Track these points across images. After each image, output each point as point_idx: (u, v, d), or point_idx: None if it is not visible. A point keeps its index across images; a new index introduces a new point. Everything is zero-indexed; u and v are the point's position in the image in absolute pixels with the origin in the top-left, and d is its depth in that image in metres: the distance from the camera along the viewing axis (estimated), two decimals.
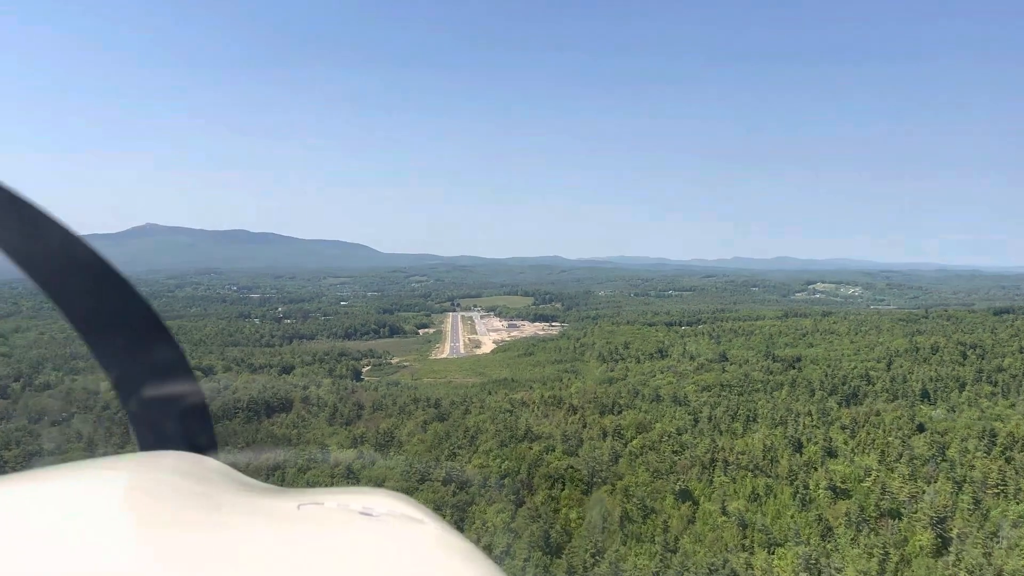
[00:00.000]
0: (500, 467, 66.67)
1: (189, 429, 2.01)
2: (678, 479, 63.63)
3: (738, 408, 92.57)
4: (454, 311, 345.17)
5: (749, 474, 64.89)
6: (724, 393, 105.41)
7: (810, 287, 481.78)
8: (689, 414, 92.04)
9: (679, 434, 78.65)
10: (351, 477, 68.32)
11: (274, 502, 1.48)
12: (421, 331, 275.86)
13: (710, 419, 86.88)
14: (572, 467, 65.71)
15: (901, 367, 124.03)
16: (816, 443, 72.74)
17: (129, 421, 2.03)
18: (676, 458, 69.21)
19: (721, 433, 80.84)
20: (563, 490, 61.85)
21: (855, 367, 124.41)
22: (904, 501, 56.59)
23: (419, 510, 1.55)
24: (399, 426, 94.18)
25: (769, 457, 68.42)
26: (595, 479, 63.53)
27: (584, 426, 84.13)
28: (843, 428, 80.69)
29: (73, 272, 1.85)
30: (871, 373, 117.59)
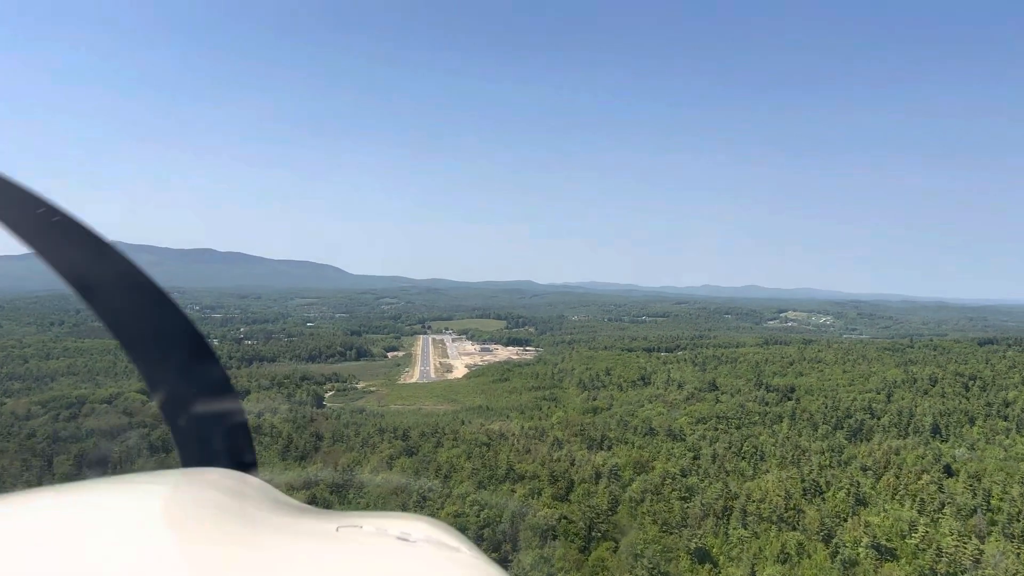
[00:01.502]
0: (479, 516, 56.15)
1: (232, 447, 2.14)
2: (691, 533, 53.73)
3: (742, 444, 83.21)
4: (425, 334, 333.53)
5: (772, 526, 55.32)
6: (721, 426, 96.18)
7: (782, 315, 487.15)
8: (688, 450, 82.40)
9: (683, 475, 68.93)
10: None
11: (313, 523, 1.49)
12: (390, 354, 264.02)
13: (714, 457, 77.29)
14: (566, 517, 55.35)
15: (903, 399, 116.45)
16: (841, 488, 63.43)
17: (173, 437, 2.17)
18: (685, 506, 59.41)
19: (728, 474, 71.35)
20: (557, 547, 51.58)
21: (854, 399, 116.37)
22: (966, 566, 47.43)
23: (456, 538, 1.54)
24: (361, 461, 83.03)
25: (791, 505, 58.91)
26: (594, 532, 53.33)
27: (573, 464, 74.01)
28: (864, 469, 71.67)
29: (121, 291, 2.01)
30: (874, 406, 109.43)
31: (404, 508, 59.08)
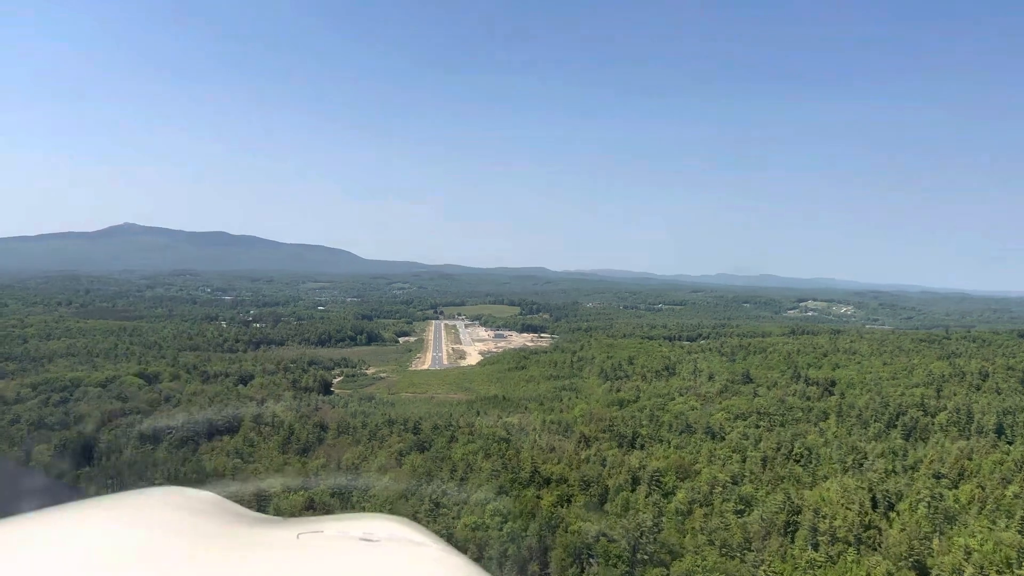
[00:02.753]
0: (501, 530, 48.05)
1: None
2: (757, 558, 45.33)
3: (792, 445, 74.44)
4: (437, 319, 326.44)
5: (848, 548, 46.85)
6: (763, 423, 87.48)
7: (801, 304, 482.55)
8: (732, 451, 73.77)
9: (734, 483, 60.50)
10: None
11: (272, 532, 1.46)
12: (401, 339, 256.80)
13: (764, 461, 68.65)
14: (605, 535, 47.00)
15: (956, 395, 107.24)
16: (920, 500, 54.61)
17: None
18: (742, 521, 51.02)
19: (782, 480, 62.87)
20: (596, 572, 43.38)
21: (902, 394, 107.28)
22: None
23: (422, 533, 1.54)
24: (367, 457, 75.19)
25: (865, 521, 50.32)
26: (639, 555, 44.98)
27: (604, 465, 65.71)
28: (936, 477, 62.87)
29: None
30: (926, 402, 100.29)
31: (415, 517, 51.22)
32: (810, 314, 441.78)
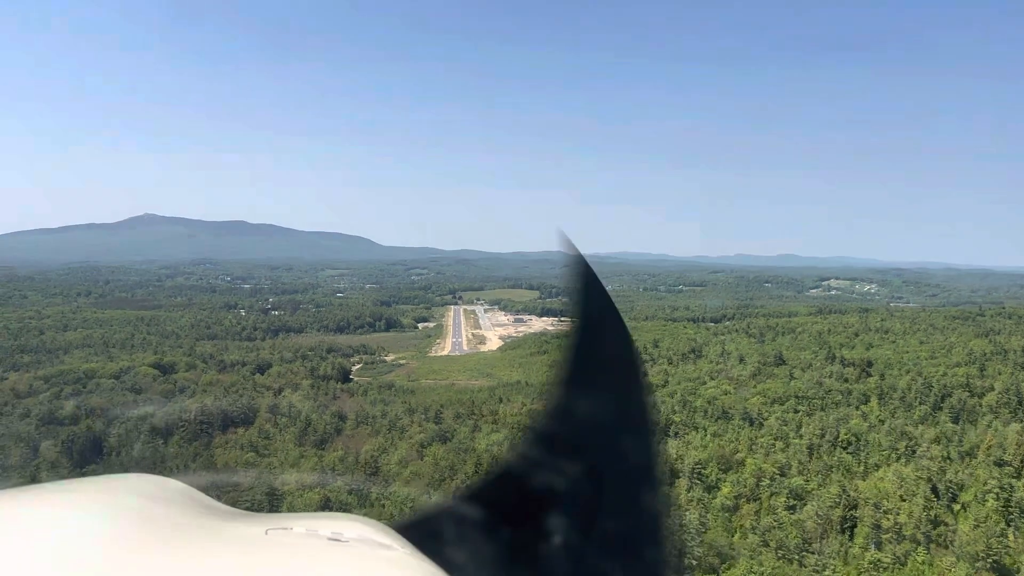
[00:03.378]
0: None
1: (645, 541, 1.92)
2: (819, 562, 41.09)
3: (837, 431, 69.78)
4: (456, 304, 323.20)
5: (918, 547, 42.54)
6: (802, 408, 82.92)
7: (824, 283, 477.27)
8: (774, 438, 69.31)
9: (782, 474, 56.22)
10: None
11: (241, 527, 1.43)
12: (420, 325, 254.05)
13: (810, 449, 64.09)
14: None
15: (1001, 374, 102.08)
16: (987, 490, 50.03)
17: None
18: (796, 517, 46.84)
19: (831, 470, 58.51)
20: None
21: (944, 374, 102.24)
22: None
23: (389, 536, 1.53)
24: (387, 448, 71.76)
25: (931, 516, 45.97)
26: (686, 558, 40.82)
27: None
28: (999, 464, 58.14)
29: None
30: (972, 382, 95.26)
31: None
32: (833, 293, 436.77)
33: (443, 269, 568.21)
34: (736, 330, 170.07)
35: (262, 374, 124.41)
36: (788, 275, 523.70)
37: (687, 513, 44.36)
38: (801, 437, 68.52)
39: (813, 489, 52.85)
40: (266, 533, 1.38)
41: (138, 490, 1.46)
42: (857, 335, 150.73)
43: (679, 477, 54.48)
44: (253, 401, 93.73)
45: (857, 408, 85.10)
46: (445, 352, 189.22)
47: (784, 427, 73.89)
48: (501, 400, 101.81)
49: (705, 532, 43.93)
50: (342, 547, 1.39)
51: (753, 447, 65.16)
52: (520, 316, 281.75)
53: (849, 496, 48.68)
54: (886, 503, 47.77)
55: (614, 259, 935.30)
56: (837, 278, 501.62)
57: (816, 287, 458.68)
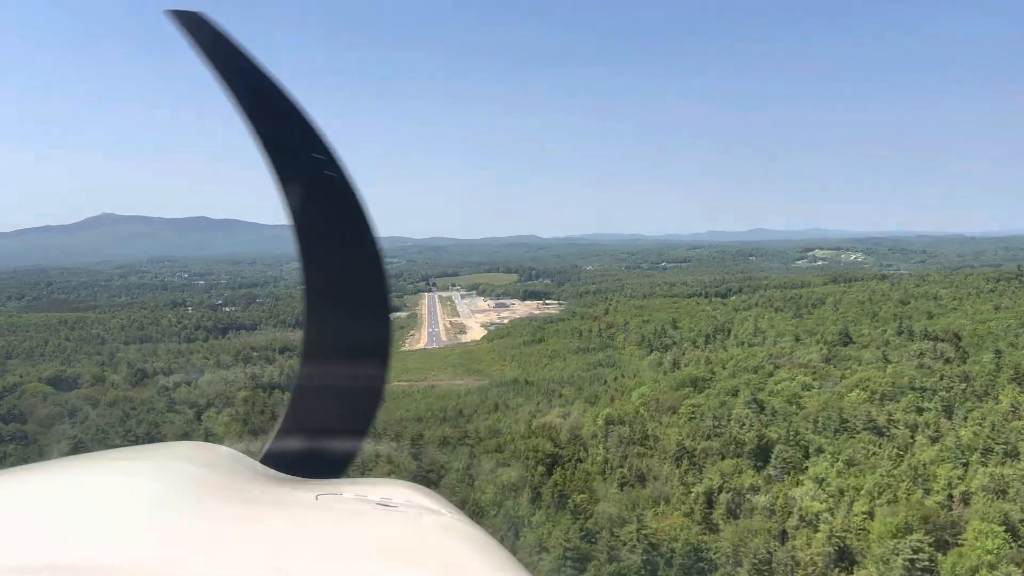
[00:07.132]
0: None
1: (353, 412, 2.18)
2: None
3: (1010, 440, 45.88)
4: (430, 291, 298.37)
5: None
6: (929, 404, 59.30)
7: (809, 254, 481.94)
8: (951, 461, 44.86)
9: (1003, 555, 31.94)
10: None
11: (292, 492, 1.48)
12: (392, 315, 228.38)
13: (1001, 490, 39.69)
14: None
15: None
16: None
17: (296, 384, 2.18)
18: None
19: None
20: None
21: None
22: None
23: (438, 502, 1.55)
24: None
25: None
26: None
27: (740, 508, 37.05)
28: None
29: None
30: None
31: None
32: (819, 263, 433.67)
33: (414, 257, 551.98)
34: (755, 304, 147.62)
35: (189, 385, 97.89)
36: (767, 248, 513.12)
37: None
38: (984, 460, 44.50)
39: None
40: (316, 498, 1.44)
41: (192, 456, 1.54)
42: (903, 303, 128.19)
43: (855, 566, 29.68)
44: (158, 428, 67.63)
45: (995, 400, 61.48)
46: (421, 345, 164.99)
47: (951, 446, 48.72)
48: (496, 407, 77.02)
49: None
50: (392, 512, 1.46)
51: (924, 485, 40.66)
52: (502, 300, 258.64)
53: None
54: None
55: (587, 241, 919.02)
56: (820, 248, 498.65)
57: (802, 258, 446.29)
